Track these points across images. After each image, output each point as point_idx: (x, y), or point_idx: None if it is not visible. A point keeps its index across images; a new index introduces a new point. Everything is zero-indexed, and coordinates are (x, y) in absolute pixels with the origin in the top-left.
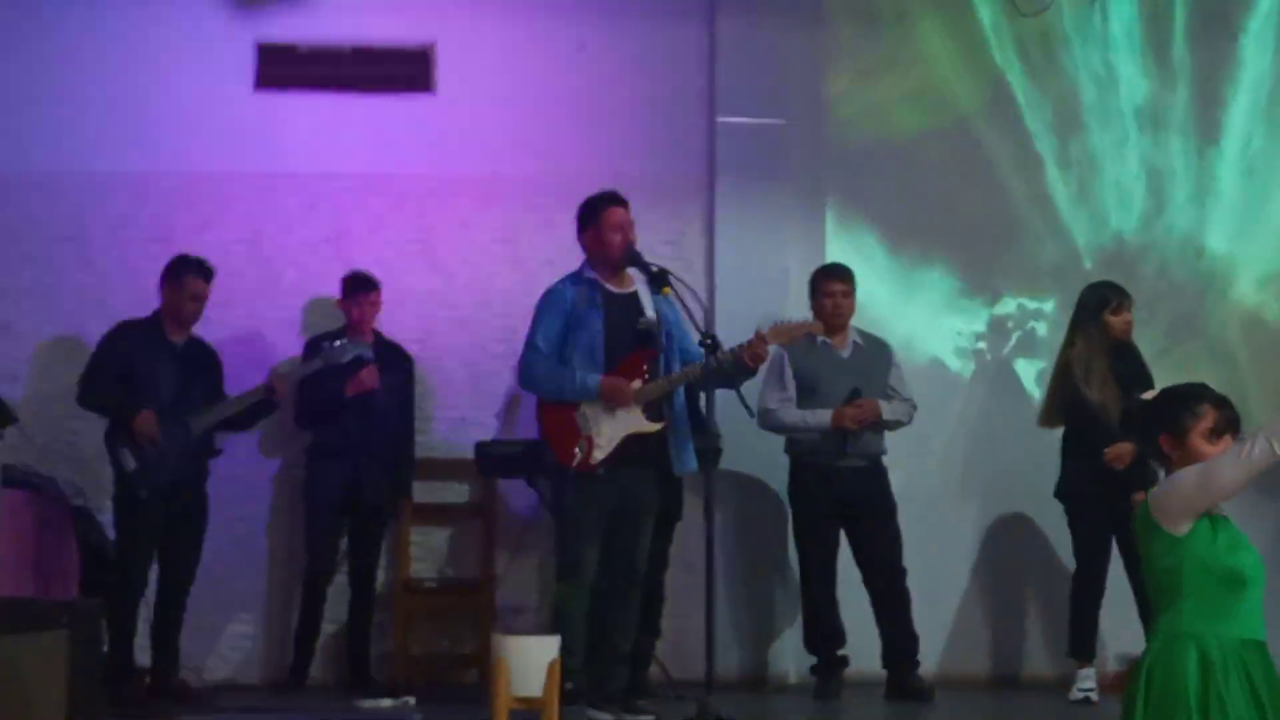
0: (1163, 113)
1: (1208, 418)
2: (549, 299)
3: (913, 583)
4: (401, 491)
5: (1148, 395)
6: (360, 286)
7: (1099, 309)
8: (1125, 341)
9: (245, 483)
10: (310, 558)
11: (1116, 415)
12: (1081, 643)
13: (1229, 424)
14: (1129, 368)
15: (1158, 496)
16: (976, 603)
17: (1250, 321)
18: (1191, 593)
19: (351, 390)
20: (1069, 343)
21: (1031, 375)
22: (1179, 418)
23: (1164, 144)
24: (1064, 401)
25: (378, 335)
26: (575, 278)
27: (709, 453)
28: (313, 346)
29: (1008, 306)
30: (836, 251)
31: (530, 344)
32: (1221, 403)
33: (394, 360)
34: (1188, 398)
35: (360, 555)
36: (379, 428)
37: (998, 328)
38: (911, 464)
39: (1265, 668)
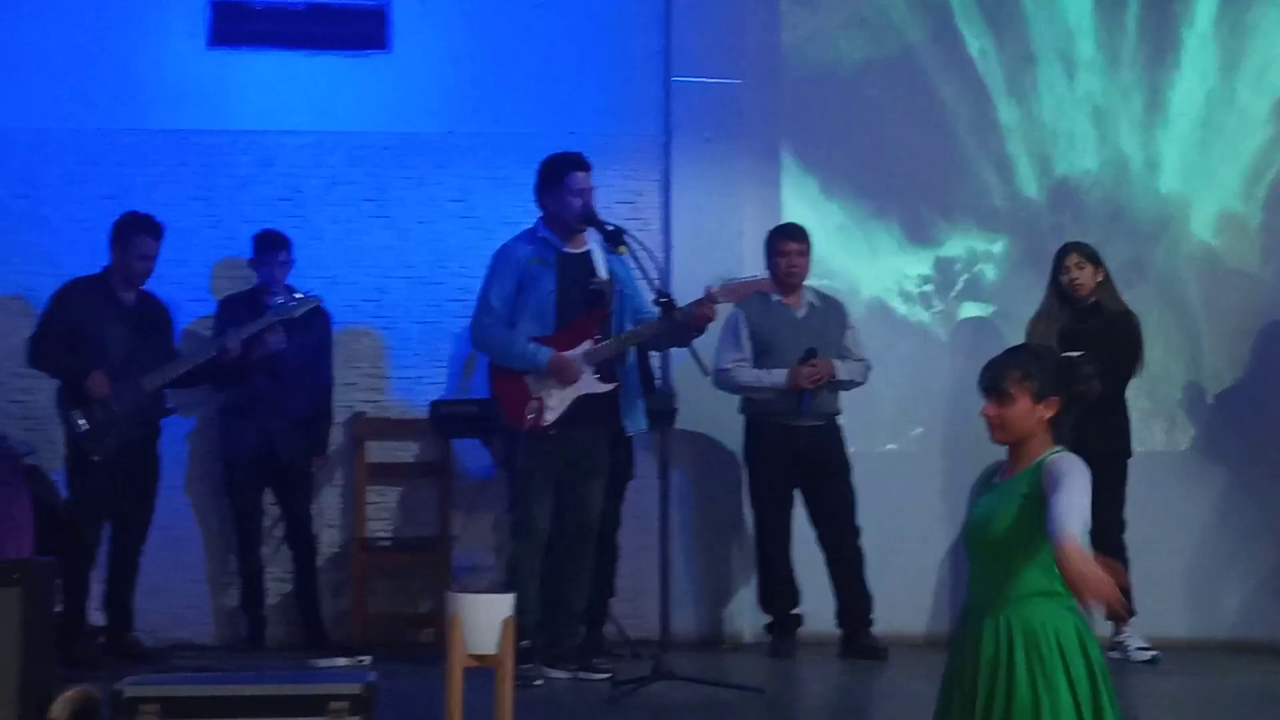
0: (1114, 47)
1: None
2: (501, 257)
3: (866, 542)
4: (316, 450)
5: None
6: (270, 246)
7: (1055, 269)
8: (1095, 302)
9: (179, 441)
10: (237, 520)
11: None
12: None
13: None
14: (1092, 327)
15: (1060, 473)
16: (931, 562)
17: (1203, 262)
18: (1044, 552)
19: (256, 353)
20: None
21: (985, 324)
22: (1061, 385)
23: (1115, 79)
24: None
25: (290, 290)
26: (529, 236)
27: (664, 412)
28: (228, 306)
29: (955, 249)
30: (792, 212)
31: (483, 303)
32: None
33: (310, 316)
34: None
35: (291, 516)
36: (290, 386)
37: (944, 271)
38: (865, 421)
39: None
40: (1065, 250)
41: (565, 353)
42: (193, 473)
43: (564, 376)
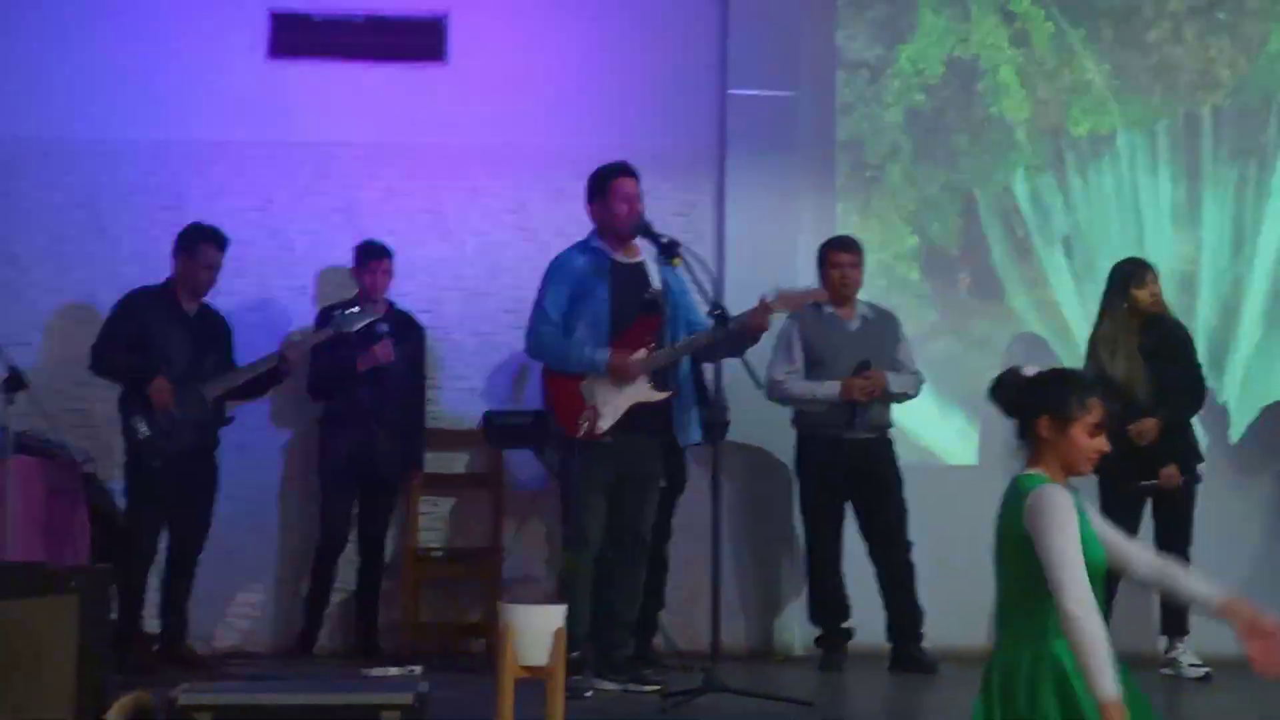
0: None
1: (1095, 412)
2: (557, 266)
3: (918, 555)
4: (412, 461)
5: (1027, 370)
6: (372, 254)
7: (1125, 284)
8: (1157, 315)
9: (256, 451)
10: (324, 527)
11: (1144, 392)
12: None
13: (1109, 422)
14: (1157, 342)
15: (1035, 517)
16: (983, 576)
17: None
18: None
19: (364, 364)
20: (1098, 321)
21: (1038, 339)
22: (1067, 404)
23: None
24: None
25: (390, 305)
26: (583, 246)
27: (717, 425)
28: (325, 316)
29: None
30: (846, 224)
31: (539, 311)
32: (1108, 398)
33: (406, 330)
34: (1080, 386)
35: (370, 524)
36: (391, 398)
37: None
38: (924, 437)
39: None
40: (1141, 265)
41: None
42: (254, 482)
43: (623, 376)
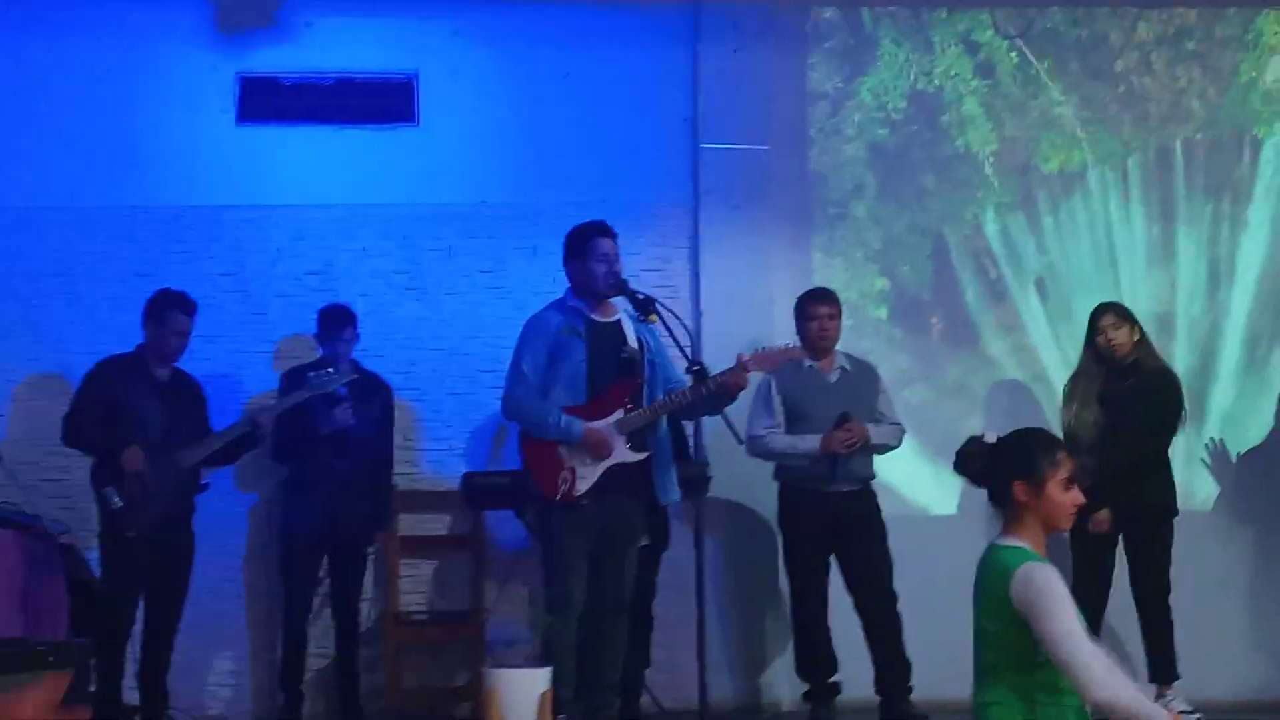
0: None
1: (1064, 466)
2: (533, 327)
3: (905, 607)
4: (380, 524)
5: (988, 437)
6: (337, 321)
7: (1090, 330)
8: (1134, 360)
9: (229, 518)
10: (288, 593)
11: (1089, 436)
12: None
13: (1078, 475)
14: (1127, 388)
15: (1030, 602)
16: (969, 627)
17: None
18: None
19: (325, 427)
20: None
21: (1019, 386)
22: (1036, 464)
23: None
24: (1064, 433)
25: (355, 365)
26: (559, 305)
27: (697, 480)
28: (291, 378)
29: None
30: (822, 276)
31: (514, 373)
32: (1073, 450)
33: (370, 391)
34: (1044, 444)
35: (342, 590)
36: (356, 460)
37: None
38: (904, 488)
39: None
40: (1100, 311)
41: (597, 423)
42: (227, 548)
43: (599, 451)
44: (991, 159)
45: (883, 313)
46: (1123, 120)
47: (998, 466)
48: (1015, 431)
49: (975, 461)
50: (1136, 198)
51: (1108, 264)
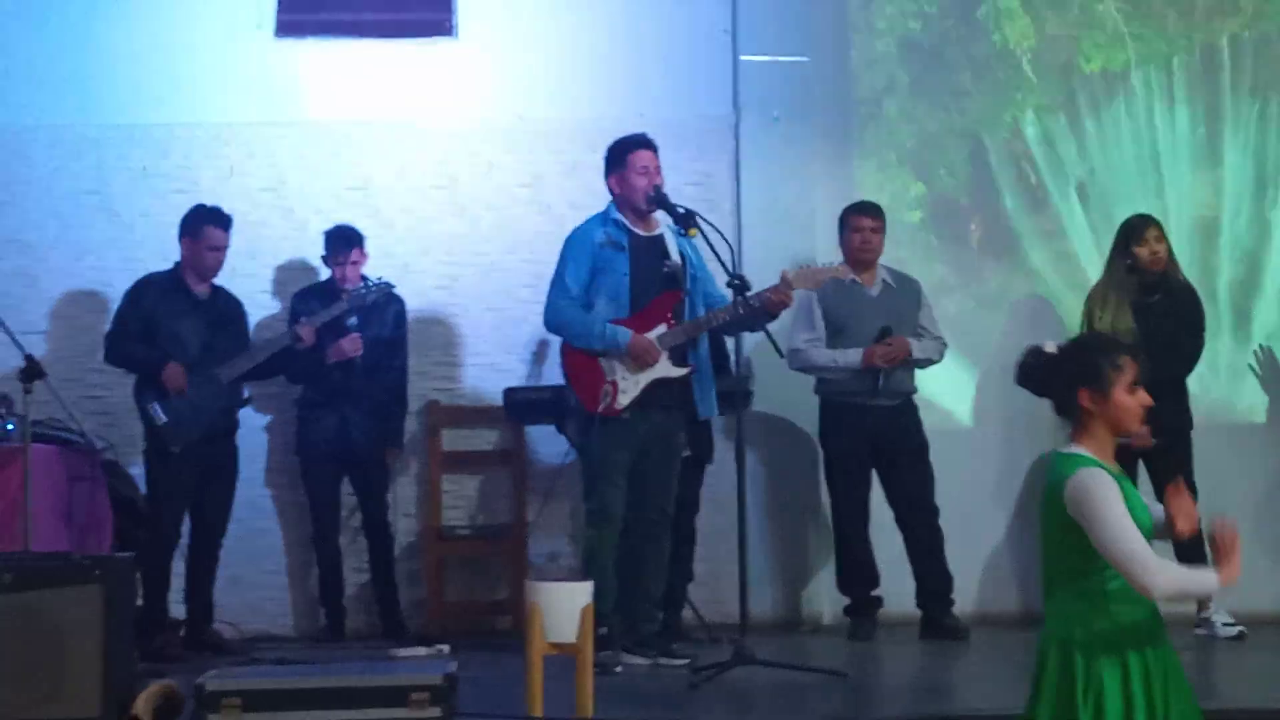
0: None
1: (1128, 370)
2: (576, 240)
3: (946, 521)
4: (391, 440)
5: (1048, 347)
6: (343, 244)
7: (1126, 241)
8: (1161, 274)
9: (271, 434)
10: (313, 511)
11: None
12: None
13: (1142, 375)
14: (1157, 301)
15: (1079, 505)
16: (1010, 540)
17: None
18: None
19: (333, 357)
20: (1100, 279)
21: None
22: (1101, 370)
23: None
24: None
25: (364, 280)
26: (601, 219)
27: (739, 395)
28: (301, 299)
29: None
30: (864, 189)
31: (558, 284)
32: (1136, 353)
33: (383, 306)
34: (1107, 349)
35: (368, 506)
36: (367, 379)
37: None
38: (944, 401)
39: None
40: (1144, 222)
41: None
42: (270, 465)
43: (644, 358)
44: (1030, 54)
45: (916, 217)
46: (1167, 15)
47: (1060, 376)
48: (1075, 339)
49: (1037, 372)
50: (1181, 99)
51: (1151, 169)
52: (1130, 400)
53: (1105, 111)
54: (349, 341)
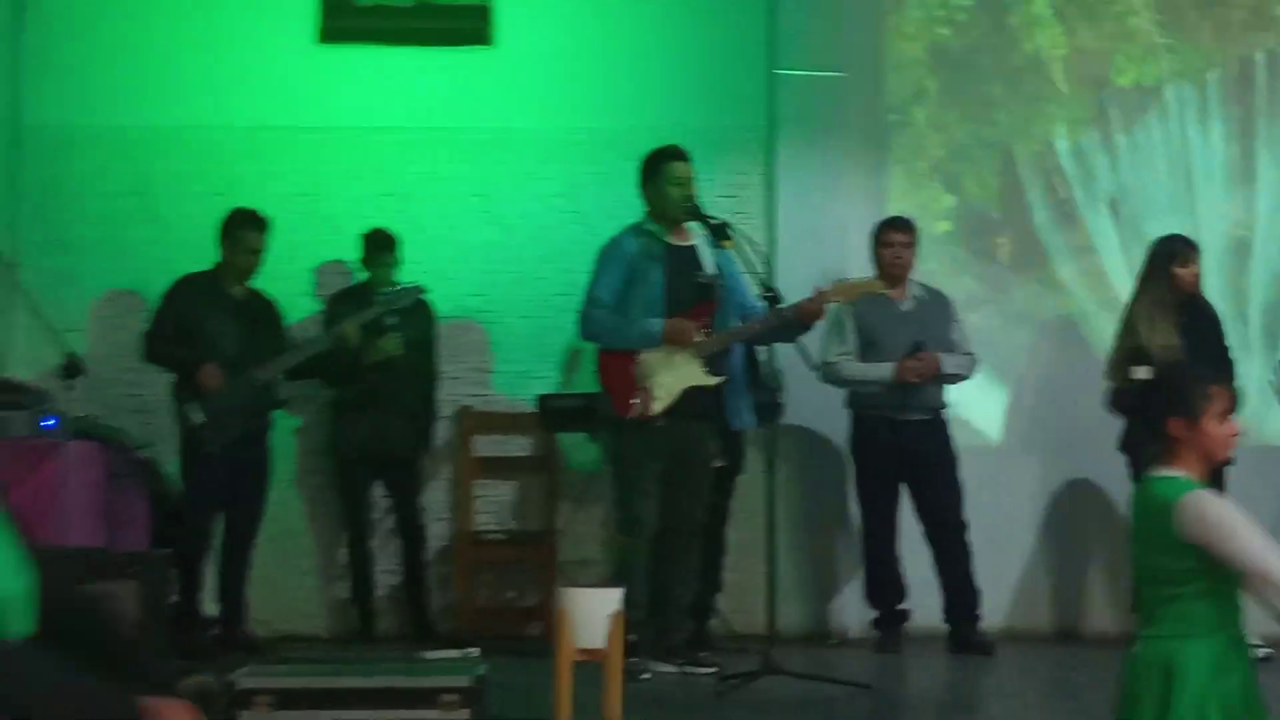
0: None
1: (1218, 400)
2: (610, 250)
3: (974, 536)
4: (422, 443)
5: (1140, 374)
6: (378, 246)
7: (1168, 261)
8: (1195, 295)
9: (303, 436)
10: (346, 513)
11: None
12: None
13: (1234, 405)
14: (1196, 323)
15: (1201, 526)
16: (1038, 556)
17: None
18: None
19: (370, 358)
20: (1136, 296)
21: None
22: (1191, 400)
23: None
24: (1129, 355)
25: (396, 285)
26: (636, 229)
27: (770, 406)
28: (338, 301)
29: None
30: (897, 204)
31: (591, 295)
32: (1227, 383)
33: (415, 312)
34: (1197, 379)
35: (400, 509)
36: (401, 382)
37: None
38: (974, 417)
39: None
40: (1186, 243)
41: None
42: (304, 466)
43: (680, 338)
44: (1061, 64)
45: (946, 228)
46: (1201, 29)
47: (1151, 403)
48: (1167, 367)
49: (1127, 398)
50: (1215, 114)
51: (1184, 185)
52: (1219, 430)
53: (1138, 126)
54: (388, 341)
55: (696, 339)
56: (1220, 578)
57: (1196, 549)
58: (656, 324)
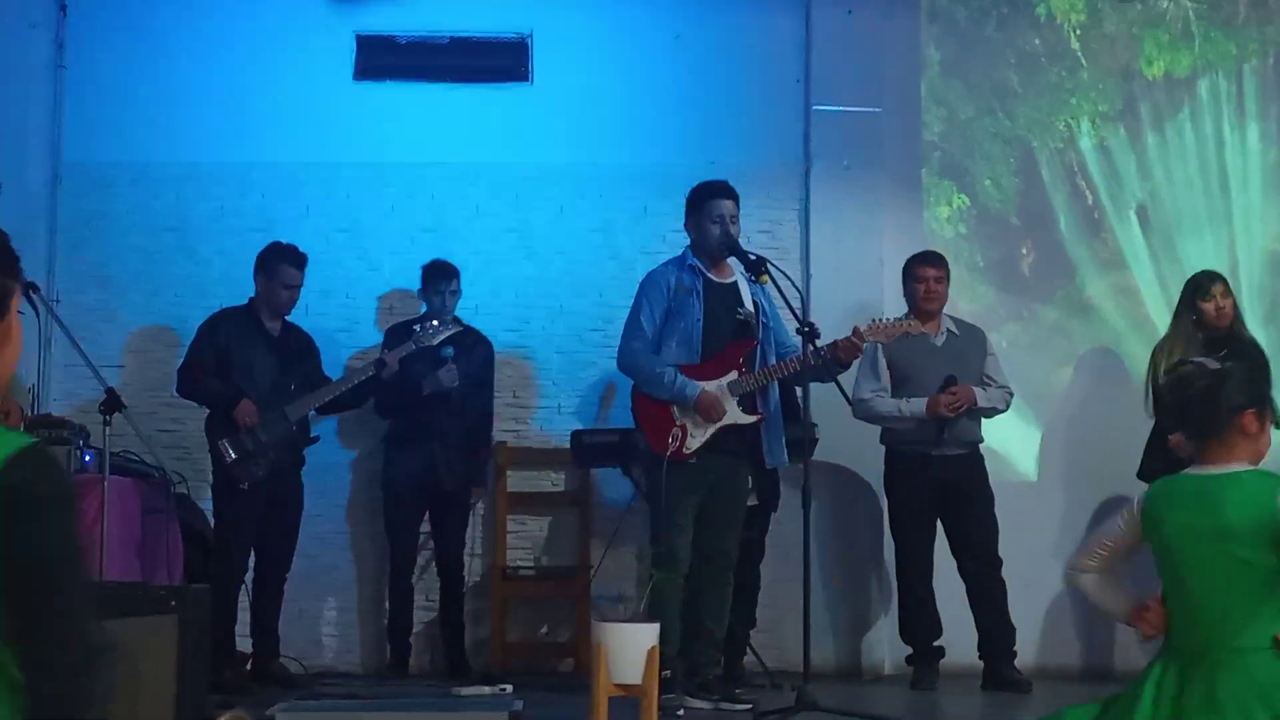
0: None
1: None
2: (651, 283)
3: (1008, 573)
4: (475, 479)
5: (1209, 364)
6: (439, 276)
7: (1192, 296)
8: (1228, 330)
9: (337, 469)
10: (392, 546)
11: None
12: None
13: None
14: (1223, 357)
15: None
16: (1073, 594)
17: None
18: None
19: (429, 388)
20: (1165, 334)
21: (1109, 353)
22: (1268, 396)
23: None
24: (1151, 388)
25: (457, 320)
26: (678, 263)
27: (805, 443)
28: (393, 334)
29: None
30: (933, 240)
31: (632, 325)
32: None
33: (472, 346)
34: (1271, 380)
35: (445, 544)
36: (456, 416)
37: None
38: (1010, 452)
39: None
40: (1212, 277)
41: (710, 384)
42: (349, 500)
43: (711, 414)
44: (1080, 45)
45: (960, 228)
46: (1237, 13)
47: (1226, 394)
48: (1247, 365)
49: (1197, 386)
50: (1252, 114)
51: (1218, 192)
52: (1273, 434)
53: (1169, 125)
54: (446, 373)
55: (725, 422)
56: None
57: None
58: (692, 389)
